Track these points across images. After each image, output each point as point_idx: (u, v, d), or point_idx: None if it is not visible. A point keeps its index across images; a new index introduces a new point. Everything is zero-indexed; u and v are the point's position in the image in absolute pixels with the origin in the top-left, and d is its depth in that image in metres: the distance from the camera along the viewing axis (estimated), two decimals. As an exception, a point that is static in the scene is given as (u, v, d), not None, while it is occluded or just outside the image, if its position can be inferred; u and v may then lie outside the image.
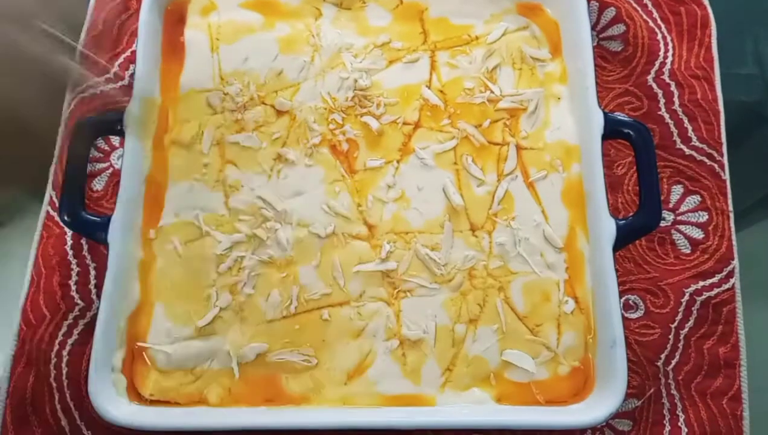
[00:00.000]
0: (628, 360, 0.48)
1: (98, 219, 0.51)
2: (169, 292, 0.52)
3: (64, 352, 0.55)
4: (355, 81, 0.57)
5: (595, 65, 0.55)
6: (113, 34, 0.64)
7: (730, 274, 0.58)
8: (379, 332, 0.52)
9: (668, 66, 0.63)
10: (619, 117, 0.54)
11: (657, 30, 0.64)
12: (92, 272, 0.57)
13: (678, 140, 0.61)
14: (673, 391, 0.56)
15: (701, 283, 0.57)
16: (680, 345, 0.56)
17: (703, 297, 0.57)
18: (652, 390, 0.55)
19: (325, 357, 0.51)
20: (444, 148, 0.56)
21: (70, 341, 0.55)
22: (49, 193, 0.59)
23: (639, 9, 0.65)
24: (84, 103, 0.61)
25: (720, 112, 0.62)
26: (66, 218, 0.51)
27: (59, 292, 0.56)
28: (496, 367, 0.51)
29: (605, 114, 0.53)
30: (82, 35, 0.63)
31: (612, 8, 0.64)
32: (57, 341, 0.55)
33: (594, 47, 0.56)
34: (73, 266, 0.57)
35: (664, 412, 0.55)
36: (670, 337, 0.56)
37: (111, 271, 0.50)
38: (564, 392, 0.51)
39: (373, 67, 0.58)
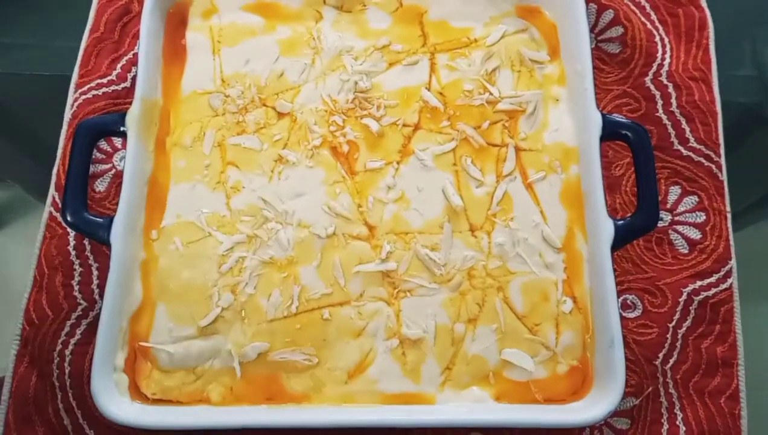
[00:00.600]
0: (626, 359, 0.49)
1: (101, 220, 0.51)
2: (171, 292, 0.52)
3: (67, 352, 0.55)
4: (356, 83, 0.57)
5: (594, 67, 0.55)
6: (115, 37, 0.64)
7: (728, 274, 0.58)
8: (380, 331, 0.52)
9: (666, 68, 0.63)
10: (618, 118, 0.54)
11: (655, 32, 0.65)
12: (95, 272, 0.57)
13: (676, 141, 0.61)
14: (671, 390, 0.56)
15: (699, 283, 0.58)
16: (678, 344, 0.57)
17: (701, 297, 0.57)
18: (650, 389, 0.56)
19: (325, 356, 0.51)
20: (443, 149, 0.56)
21: (72, 341, 0.56)
22: (52, 193, 0.60)
23: (637, 11, 0.66)
24: (86, 104, 0.62)
25: (718, 113, 0.62)
26: (69, 219, 0.51)
27: (62, 292, 0.57)
28: (495, 366, 0.51)
29: (603, 115, 0.54)
30: (84, 37, 0.64)
31: (610, 10, 0.64)
32: (60, 341, 0.55)
33: (592, 49, 0.56)
34: (76, 266, 0.57)
35: (662, 410, 0.56)
36: (668, 336, 0.57)
37: (113, 271, 0.50)
38: (562, 391, 0.51)
39: (373, 70, 0.58)
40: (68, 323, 0.56)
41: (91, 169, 0.59)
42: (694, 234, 0.59)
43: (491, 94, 0.57)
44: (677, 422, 0.55)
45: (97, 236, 0.51)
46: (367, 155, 0.56)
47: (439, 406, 0.51)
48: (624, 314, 0.57)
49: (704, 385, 0.56)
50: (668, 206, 0.60)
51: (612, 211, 0.57)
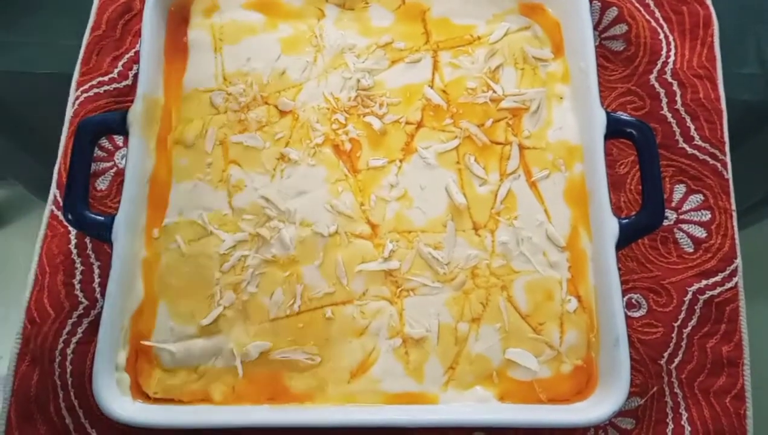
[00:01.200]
0: (631, 358, 0.48)
1: (102, 218, 0.51)
2: (173, 291, 0.52)
3: (69, 351, 0.55)
4: (358, 81, 0.57)
5: (598, 65, 0.55)
6: (117, 35, 0.64)
7: (733, 273, 0.58)
8: (382, 331, 0.52)
9: (670, 65, 0.63)
10: (622, 116, 0.54)
11: (659, 29, 0.64)
12: (96, 271, 0.57)
13: (680, 139, 0.61)
14: (676, 390, 0.56)
15: (704, 282, 0.57)
16: (683, 343, 0.56)
17: (706, 296, 0.57)
18: (655, 388, 0.55)
19: (328, 355, 0.51)
20: (446, 147, 0.56)
21: (74, 340, 0.55)
22: (53, 192, 0.60)
23: (641, 9, 0.65)
24: (87, 102, 0.62)
25: (723, 111, 0.62)
26: (70, 217, 0.51)
27: (63, 290, 0.56)
28: (498, 365, 0.51)
29: (608, 113, 0.53)
30: (86, 35, 0.64)
31: (614, 8, 0.64)
32: (61, 340, 0.55)
33: (596, 47, 0.56)
34: (77, 265, 0.57)
35: (667, 410, 0.55)
36: (673, 335, 0.56)
37: (115, 269, 0.50)
38: (567, 391, 0.51)
39: (375, 68, 0.58)
40: (70, 322, 0.56)
41: (93, 167, 0.58)
42: (700, 233, 0.59)
43: (494, 91, 0.57)
44: (682, 422, 0.55)
45: (99, 235, 0.51)
46: (370, 153, 0.56)
47: (443, 405, 0.50)
48: (629, 313, 0.57)
49: (709, 385, 0.56)
50: (673, 205, 0.60)
51: (616, 210, 0.57)
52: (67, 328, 0.56)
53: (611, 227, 0.51)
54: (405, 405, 0.50)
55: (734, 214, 0.59)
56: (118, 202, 0.51)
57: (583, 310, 0.52)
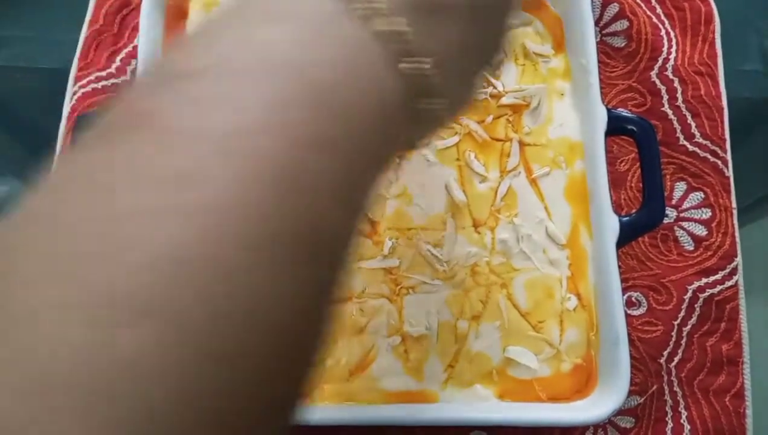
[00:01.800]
0: (631, 357, 0.48)
1: (100, 215, 0.51)
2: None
3: (66, 348, 0.55)
4: (358, 77, 0.57)
5: (599, 61, 0.54)
6: (114, 30, 0.64)
7: (734, 271, 0.57)
8: (381, 329, 0.51)
9: (672, 62, 0.62)
10: (623, 113, 0.54)
11: (660, 26, 0.64)
12: (94, 268, 0.57)
13: (681, 136, 0.61)
14: (676, 388, 0.55)
15: (704, 280, 0.57)
16: (683, 342, 0.56)
17: (706, 294, 0.57)
18: (654, 387, 0.55)
19: (326, 353, 0.51)
20: (446, 144, 0.55)
21: (71, 337, 0.55)
22: (51, 188, 0.59)
23: (642, 5, 0.65)
24: (85, 97, 0.61)
25: (724, 108, 0.61)
26: (67, 214, 0.51)
27: (61, 287, 0.56)
28: (498, 363, 0.51)
29: (608, 110, 0.53)
30: (84, 30, 0.63)
31: (615, 4, 0.63)
32: (58, 337, 0.55)
33: (597, 43, 0.55)
34: (75, 262, 0.57)
35: (667, 409, 0.55)
36: (673, 334, 0.56)
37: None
38: (566, 389, 0.51)
39: (375, 63, 0.58)
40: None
41: (90, 163, 0.58)
42: (700, 231, 0.59)
43: (495, 87, 0.56)
44: (681, 421, 0.55)
45: (96, 231, 0.50)
46: (369, 150, 0.55)
47: (442, 404, 0.50)
48: (629, 312, 0.57)
49: (709, 384, 0.56)
50: (674, 202, 0.60)
51: (617, 208, 0.57)
52: (65, 325, 0.55)
53: (611, 225, 0.51)
54: (404, 403, 0.50)
55: (735, 212, 0.59)
56: (116, 198, 0.51)
57: (582, 308, 0.52)
